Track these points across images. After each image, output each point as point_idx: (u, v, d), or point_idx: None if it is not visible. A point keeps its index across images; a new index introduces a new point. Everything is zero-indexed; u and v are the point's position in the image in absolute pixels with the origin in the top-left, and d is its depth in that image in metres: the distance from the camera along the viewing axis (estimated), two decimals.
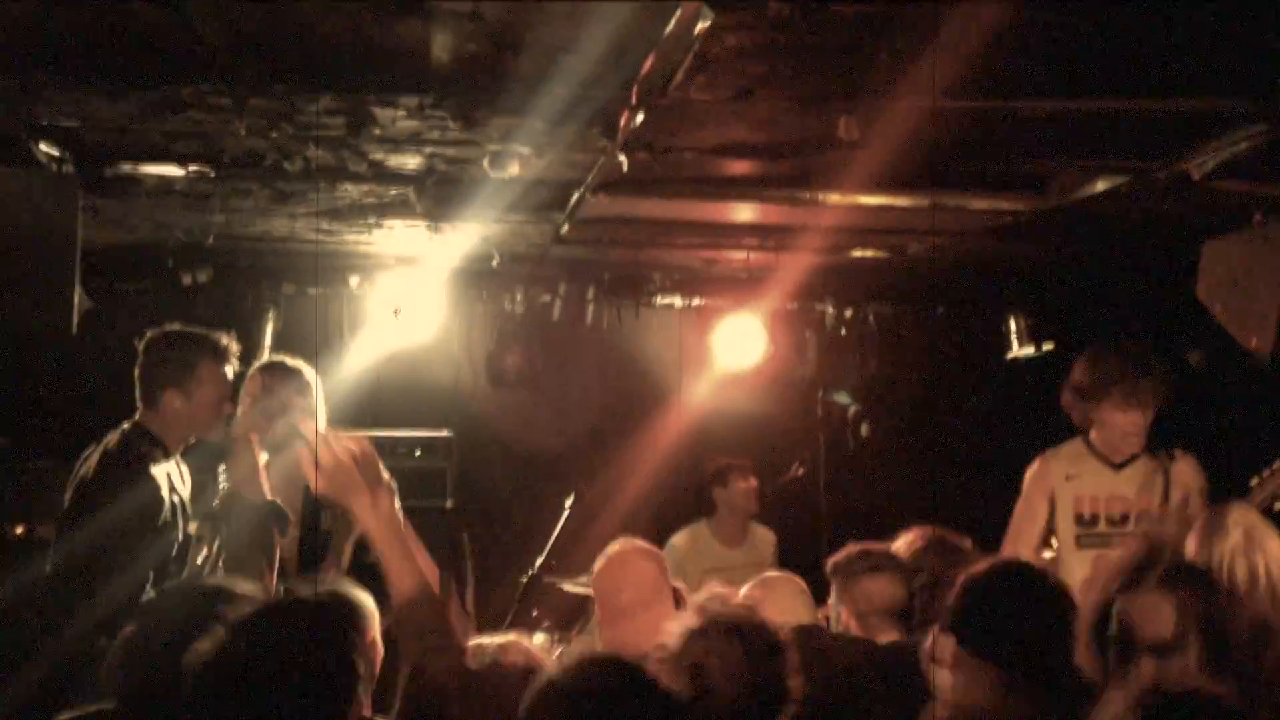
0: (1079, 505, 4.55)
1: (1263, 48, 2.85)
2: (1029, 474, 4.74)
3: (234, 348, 4.41)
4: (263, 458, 4.68)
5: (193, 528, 4.42)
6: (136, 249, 5.94)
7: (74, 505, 4.07)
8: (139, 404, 4.24)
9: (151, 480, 4.07)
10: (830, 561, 3.71)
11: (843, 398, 6.96)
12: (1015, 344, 6.93)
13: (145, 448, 4.13)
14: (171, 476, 4.19)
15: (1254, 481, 4.18)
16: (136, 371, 4.25)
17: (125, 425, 4.22)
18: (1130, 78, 3.08)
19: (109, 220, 5.05)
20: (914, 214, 4.54)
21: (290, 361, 4.66)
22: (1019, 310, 6.89)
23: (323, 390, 4.67)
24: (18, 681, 3.92)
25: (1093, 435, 4.62)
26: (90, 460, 4.14)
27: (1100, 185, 4.03)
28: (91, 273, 6.18)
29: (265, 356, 5.13)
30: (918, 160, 3.78)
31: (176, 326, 4.38)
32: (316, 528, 4.48)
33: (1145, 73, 3.04)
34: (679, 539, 6.02)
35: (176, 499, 4.17)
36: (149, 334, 4.31)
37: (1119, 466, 4.56)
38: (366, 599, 2.86)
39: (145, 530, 3.98)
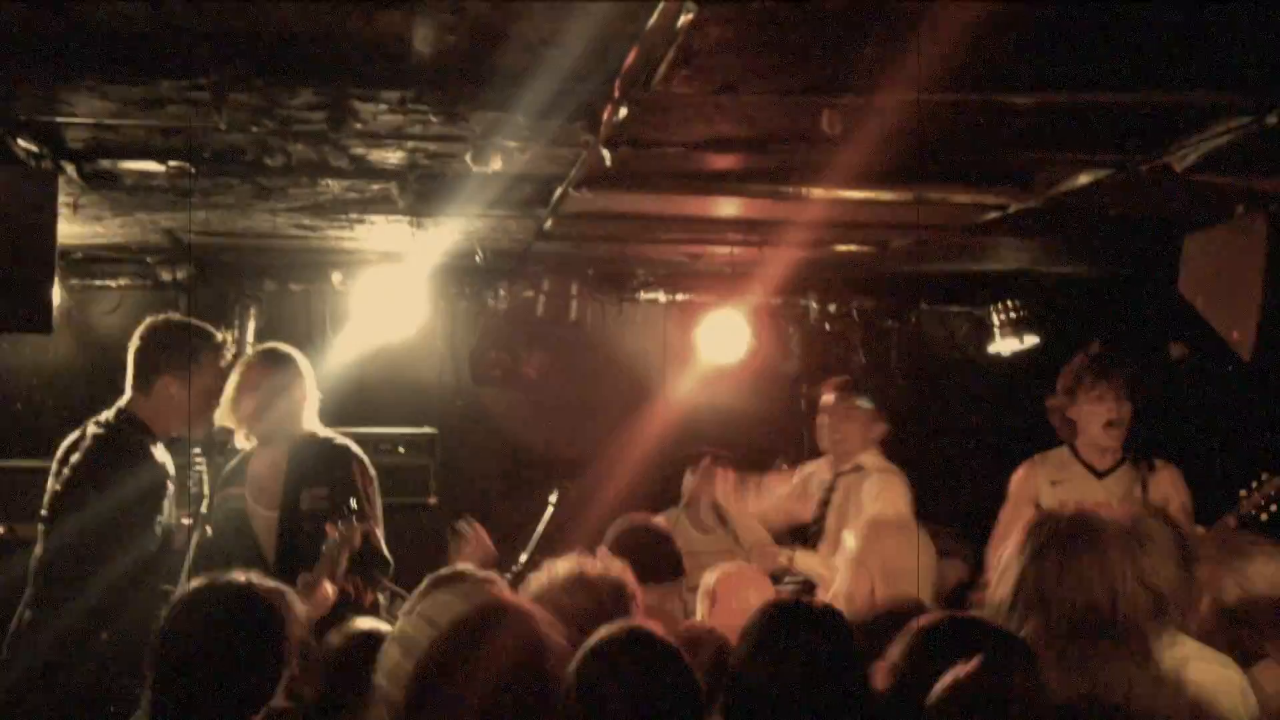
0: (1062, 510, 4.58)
1: (1245, 40, 2.85)
2: (1014, 479, 4.78)
3: (230, 345, 4.43)
4: (250, 442, 4.70)
5: (185, 519, 4.44)
6: (116, 246, 5.91)
7: (71, 490, 4.05)
8: (129, 389, 4.23)
9: (155, 462, 4.08)
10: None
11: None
12: (998, 338, 6.94)
13: (135, 434, 4.13)
14: (164, 462, 4.20)
15: (1242, 493, 4.23)
16: (132, 356, 4.25)
17: (110, 412, 4.21)
18: (1113, 71, 3.08)
19: (88, 217, 5.02)
20: (898, 208, 4.54)
21: (282, 349, 4.66)
22: (1002, 304, 6.90)
23: (314, 378, 4.68)
24: (16, 668, 3.93)
25: (1078, 443, 4.66)
26: (82, 447, 4.12)
27: (1083, 179, 4.04)
28: (70, 270, 6.19)
29: (249, 352, 5.15)
30: (901, 154, 3.78)
31: (178, 316, 4.40)
32: (295, 511, 4.49)
33: (1128, 66, 3.05)
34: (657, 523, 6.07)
35: (168, 487, 4.18)
36: (150, 320, 4.32)
37: (1102, 475, 4.60)
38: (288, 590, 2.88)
39: (149, 512, 3.98)
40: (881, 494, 4.99)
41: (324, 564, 4.05)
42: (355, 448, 4.65)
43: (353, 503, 4.25)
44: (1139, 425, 4.63)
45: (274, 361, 4.61)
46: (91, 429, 4.17)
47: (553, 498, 5.49)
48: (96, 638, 3.86)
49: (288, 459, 4.57)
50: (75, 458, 4.10)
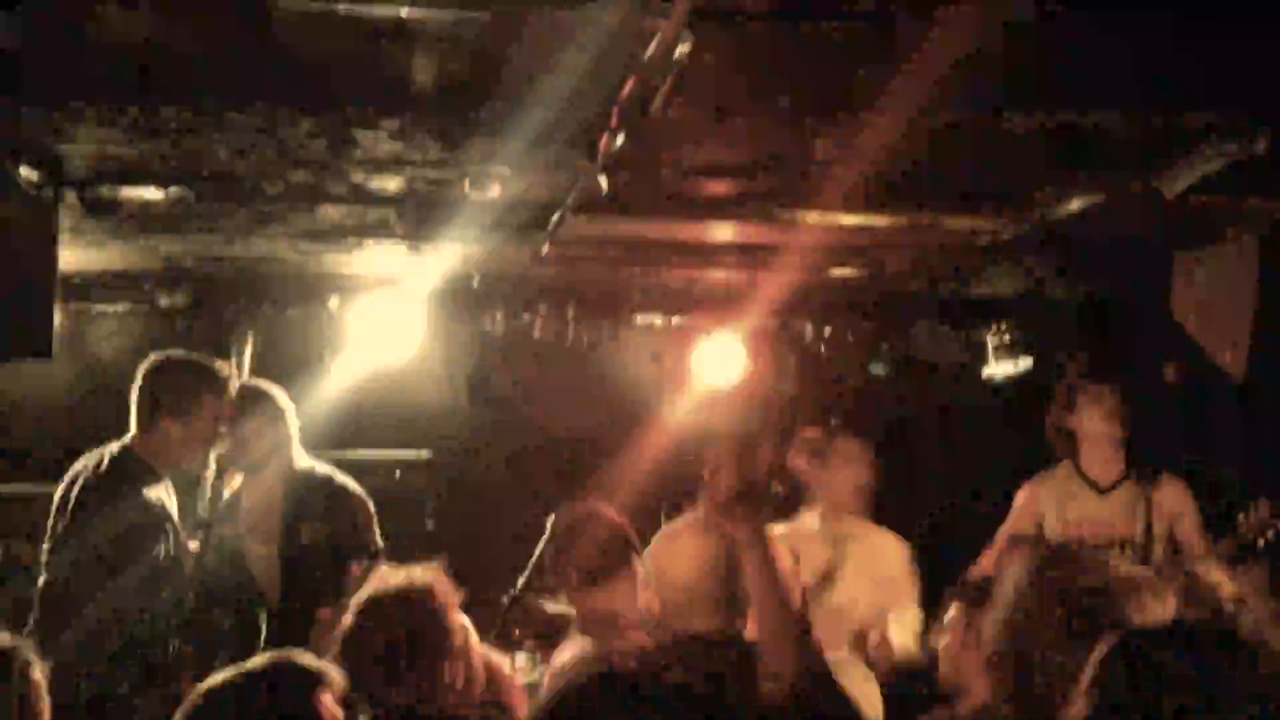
0: (1065, 530, 4.57)
1: (1235, 63, 2.88)
2: (1019, 498, 4.77)
3: (234, 379, 4.43)
4: (238, 480, 4.71)
5: (194, 545, 4.46)
6: (116, 272, 5.92)
7: (67, 527, 4.06)
8: (133, 425, 4.24)
9: (145, 504, 4.08)
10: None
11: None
12: (993, 360, 6.96)
13: (136, 472, 4.13)
14: (163, 500, 4.20)
15: (1240, 516, 4.22)
16: (134, 394, 4.25)
17: (115, 447, 4.22)
18: (1104, 95, 3.11)
19: (88, 243, 5.03)
20: (892, 232, 4.56)
21: (264, 385, 4.68)
22: (997, 327, 6.92)
23: (297, 413, 4.70)
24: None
25: (1080, 458, 4.65)
26: (81, 482, 4.13)
27: (1075, 202, 4.07)
28: (71, 295, 6.21)
29: (243, 379, 5.20)
30: (895, 179, 3.81)
31: (180, 353, 4.40)
32: (297, 547, 4.50)
33: (1119, 90, 3.08)
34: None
35: (169, 526, 4.17)
36: (153, 358, 4.32)
37: (1104, 492, 4.58)
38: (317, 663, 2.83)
39: (138, 554, 3.98)
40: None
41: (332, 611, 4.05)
42: (355, 485, 4.66)
43: (379, 540, 4.29)
44: (1137, 444, 4.62)
45: (257, 398, 4.62)
46: (92, 466, 4.18)
47: (550, 521, 5.49)
48: (94, 668, 3.86)
49: (283, 494, 4.58)
50: (73, 494, 4.11)
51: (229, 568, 4.54)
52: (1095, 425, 4.55)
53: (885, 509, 5.07)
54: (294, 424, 4.66)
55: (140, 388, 4.25)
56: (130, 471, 4.12)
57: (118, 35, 2.77)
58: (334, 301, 6.51)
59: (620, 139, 3.25)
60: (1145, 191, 3.81)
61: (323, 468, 4.68)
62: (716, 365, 6.60)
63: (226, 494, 4.73)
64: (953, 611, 3.45)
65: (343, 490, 4.62)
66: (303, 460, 4.66)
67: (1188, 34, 2.70)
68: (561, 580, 3.65)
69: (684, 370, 6.68)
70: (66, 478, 4.20)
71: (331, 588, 4.15)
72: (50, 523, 4.15)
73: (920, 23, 2.58)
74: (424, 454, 6.60)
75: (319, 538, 4.48)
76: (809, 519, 4.96)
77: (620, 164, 3.57)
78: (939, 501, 6.61)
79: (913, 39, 2.65)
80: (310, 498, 4.57)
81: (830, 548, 4.81)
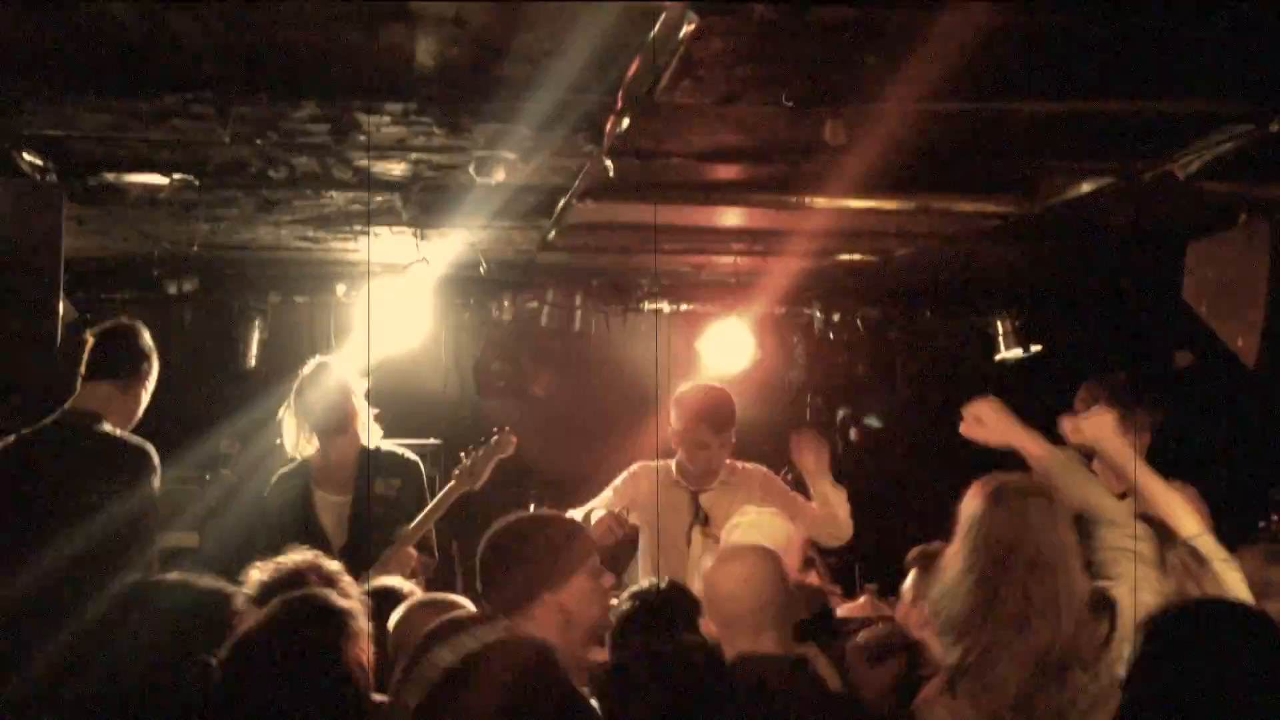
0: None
1: (1247, 47, 2.85)
2: None
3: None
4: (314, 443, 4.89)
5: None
6: (121, 259, 5.92)
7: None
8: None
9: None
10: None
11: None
12: (1003, 346, 6.93)
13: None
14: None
15: (1261, 525, 4.20)
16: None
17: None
18: (1115, 79, 3.08)
19: (93, 230, 5.03)
20: (901, 217, 4.54)
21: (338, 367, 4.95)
22: (1006, 312, 6.89)
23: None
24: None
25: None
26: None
27: (1086, 187, 4.04)
28: (76, 283, 6.20)
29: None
30: (904, 163, 3.78)
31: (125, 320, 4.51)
32: (367, 499, 4.67)
33: (1130, 73, 3.05)
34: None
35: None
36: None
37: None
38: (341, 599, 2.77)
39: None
40: None
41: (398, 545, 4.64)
42: (415, 456, 5.11)
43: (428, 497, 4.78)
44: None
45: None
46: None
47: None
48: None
49: (358, 458, 4.86)
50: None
51: (294, 516, 4.77)
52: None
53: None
54: (363, 405, 4.89)
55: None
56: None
57: (119, 21, 2.76)
58: (341, 288, 6.50)
59: (626, 122, 3.22)
60: (1157, 177, 3.78)
61: (388, 444, 5.04)
62: (725, 351, 6.57)
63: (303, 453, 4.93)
64: (911, 576, 3.90)
65: (407, 458, 5.04)
66: (373, 441, 4.95)
67: (1200, 17, 2.67)
68: None
69: (692, 356, 6.66)
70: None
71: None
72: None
73: (929, 6, 2.55)
74: (432, 441, 6.58)
75: (391, 492, 4.88)
76: None
77: (627, 149, 3.55)
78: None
79: (921, 24, 2.62)
80: (382, 460, 4.92)
81: None
